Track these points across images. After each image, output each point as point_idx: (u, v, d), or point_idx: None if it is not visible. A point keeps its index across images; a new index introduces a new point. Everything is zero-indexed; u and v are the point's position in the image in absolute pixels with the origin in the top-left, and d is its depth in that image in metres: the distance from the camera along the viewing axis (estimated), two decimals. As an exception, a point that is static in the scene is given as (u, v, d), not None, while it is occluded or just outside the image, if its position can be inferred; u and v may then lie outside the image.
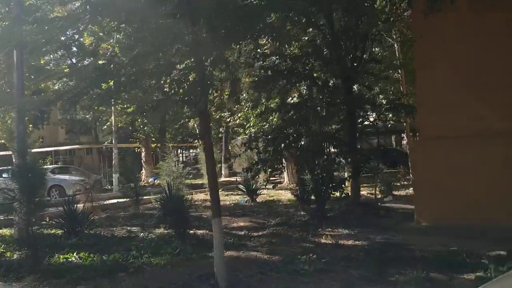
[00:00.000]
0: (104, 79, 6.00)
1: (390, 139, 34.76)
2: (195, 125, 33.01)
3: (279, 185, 21.77)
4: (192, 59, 6.15)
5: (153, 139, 33.13)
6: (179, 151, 48.62)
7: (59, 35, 6.75)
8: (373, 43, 11.13)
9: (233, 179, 25.69)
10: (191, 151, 47.51)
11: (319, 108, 10.76)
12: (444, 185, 9.44)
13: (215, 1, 5.43)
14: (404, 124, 18.04)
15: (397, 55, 16.13)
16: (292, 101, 11.04)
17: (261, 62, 10.58)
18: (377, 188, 14.82)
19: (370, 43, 11.30)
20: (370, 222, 10.66)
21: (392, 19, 10.05)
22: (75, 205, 10.26)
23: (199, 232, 10.60)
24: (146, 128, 30.26)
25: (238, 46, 7.81)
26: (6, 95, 14.08)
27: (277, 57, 10.62)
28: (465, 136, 9.20)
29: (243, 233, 10.48)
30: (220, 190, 19.52)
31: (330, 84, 11.04)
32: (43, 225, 11.26)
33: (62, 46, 7.36)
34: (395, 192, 15.80)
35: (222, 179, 27.90)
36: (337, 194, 11.33)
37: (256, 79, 10.65)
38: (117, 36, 6.00)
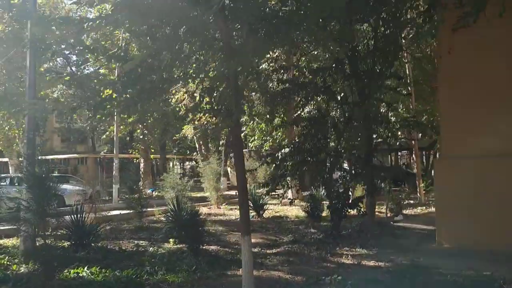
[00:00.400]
0: (132, 85, 5.67)
1: (396, 157, 34.48)
2: (194, 137, 32.79)
3: (283, 201, 21.51)
4: (225, 68, 5.84)
5: (153, 150, 32.83)
6: (175, 163, 48.28)
7: (79, 36, 6.40)
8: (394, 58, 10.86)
9: (232, 192, 25.27)
10: (186, 163, 47.13)
11: (338, 122, 10.46)
12: (467, 206, 9.13)
13: (256, 6, 5.12)
14: (413, 142, 17.83)
15: (407, 71, 15.95)
16: (308, 115, 10.73)
17: (279, 74, 10.34)
18: (386, 207, 14.56)
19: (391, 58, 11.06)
20: (387, 242, 10.33)
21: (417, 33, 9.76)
22: (83, 216, 9.81)
23: (211, 248, 10.22)
24: (146, 138, 29.95)
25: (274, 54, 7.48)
26: (15, 99, 13.66)
27: (296, 69, 10.35)
28: (490, 156, 8.94)
29: (256, 250, 10.09)
30: (224, 204, 19.34)
31: (350, 99, 10.75)
32: (47, 236, 10.83)
33: (86, 48, 6.98)
34: (404, 211, 15.51)
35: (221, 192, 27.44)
36: (354, 212, 10.99)
37: (273, 91, 10.34)
38: (146, 40, 5.65)
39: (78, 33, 5.70)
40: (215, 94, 5.79)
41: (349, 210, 10.89)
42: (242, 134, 21.84)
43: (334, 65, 10.28)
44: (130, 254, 9.55)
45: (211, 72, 6.07)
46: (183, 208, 12.46)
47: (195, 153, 35.59)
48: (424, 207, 17.05)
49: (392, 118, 15.82)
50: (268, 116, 12.16)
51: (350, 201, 10.66)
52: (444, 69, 9.67)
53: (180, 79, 5.96)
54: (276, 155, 10.92)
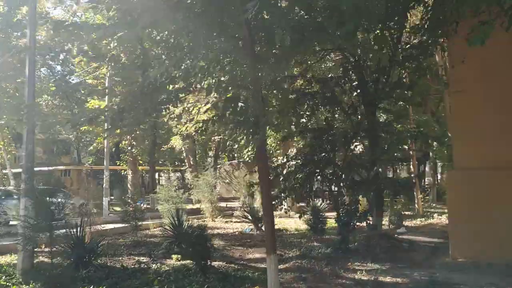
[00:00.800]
0: (155, 94, 5.34)
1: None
2: (183, 149, 32.29)
3: (278, 213, 21.17)
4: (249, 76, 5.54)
5: (141, 161, 32.18)
6: (160, 174, 47.53)
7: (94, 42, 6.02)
8: (401, 67, 10.69)
9: (223, 204, 24.81)
10: (171, 175, 46.45)
11: (347, 133, 10.23)
12: (481, 219, 8.94)
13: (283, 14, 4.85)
14: (411, 153, 17.70)
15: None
16: (316, 126, 10.46)
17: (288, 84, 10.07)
18: (389, 219, 14.35)
19: (396, 67, 10.91)
20: (397, 256, 10.08)
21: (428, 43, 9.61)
22: (83, 232, 9.32)
23: (215, 263, 9.80)
24: (134, 150, 29.35)
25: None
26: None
27: (305, 79, 10.11)
28: (504, 167, 8.79)
29: (264, 266, 9.69)
30: (219, 217, 18.91)
31: (358, 110, 10.55)
32: (53, 253, 10.34)
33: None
34: (404, 223, 15.31)
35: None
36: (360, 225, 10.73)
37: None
38: (168, 47, 5.32)
39: (96, 39, 5.35)
40: (240, 104, 5.47)
41: (357, 223, 10.61)
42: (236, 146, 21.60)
43: (342, 74, 10.05)
44: (133, 271, 9.09)
45: (231, 82, 5.77)
46: (182, 222, 12.10)
47: (183, 165, 35.13)
48: (423, 219, 16.91)
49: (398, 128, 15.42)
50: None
51: (358, 214, 10.37)
52: (455, 79, 9.51)
53: (202, 89, 5.62)
54: (286, 166, 10.58)
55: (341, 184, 10.18)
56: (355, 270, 8.88)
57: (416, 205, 18.12)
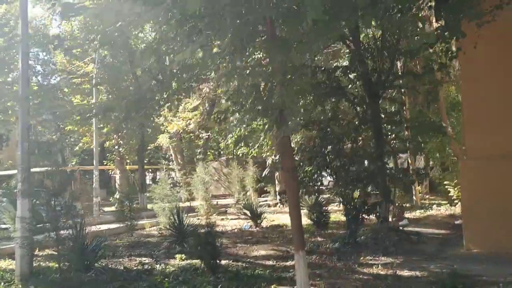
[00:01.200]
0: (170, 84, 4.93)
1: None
2: (170, 147, 31.71)
3: (272, 208, 20.85)
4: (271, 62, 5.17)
5: (128, 160, 31.48)
6: (145, 173, 46.71)
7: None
8: (407, 56, 10.42)
9: (213, 201, 24.39)
10: (158, 173, 45.74)
11: (356, 124, 9.93)
12: (495, 208, 8.75)
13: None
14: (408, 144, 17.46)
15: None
16: (322, 117, 10.12)
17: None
18: (392, 211, 14.11)
19: (401, 56, 10.66)
20: (408, 249, 9.85)
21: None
22: (83, 233, 8.80)
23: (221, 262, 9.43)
24: (121, 149, 28.70)
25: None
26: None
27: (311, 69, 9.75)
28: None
29: (271, 263, 9.40)
30: (214, 214, 18.50)
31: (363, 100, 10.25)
32: (39, 256, 9.84)
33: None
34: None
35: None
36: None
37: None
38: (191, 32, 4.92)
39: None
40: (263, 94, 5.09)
41: (365, 217, 10.35)
42: (230, 142, 21.13)
43: (348, 64, 9.74)
44: (138, 273, 8.66)
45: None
46: (182, 220, 11.68)
47: (171, 163, 34.57)
48: (422, 210, 16.77)
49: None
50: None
51: (367, 207, 10.09)
52: (467, 67, 9.28)
53: (219, 77, 5.22)
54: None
55: (350, 176, 9.86)
56: (370, 265, 8.61)
57: (414, 197, 17.97)
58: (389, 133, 11.62)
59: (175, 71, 5.09)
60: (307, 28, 4.83)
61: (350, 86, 10.41)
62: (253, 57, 5.24)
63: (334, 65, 11.23)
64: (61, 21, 23.03)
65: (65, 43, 22.83)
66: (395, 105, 11.83)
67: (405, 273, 7.91)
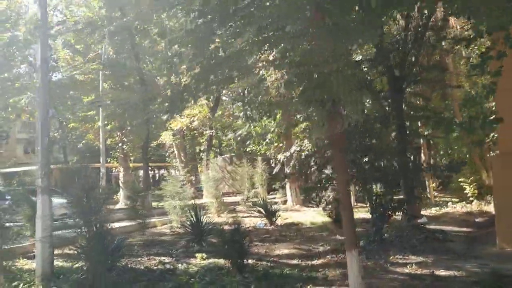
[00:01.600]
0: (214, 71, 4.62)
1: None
2: (173, 144, 31.32)
3: (283, 206, 20.52)
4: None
5: (132, 158, 31.04)
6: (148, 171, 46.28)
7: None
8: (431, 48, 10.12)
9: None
10: (161, 170, 45.37)
11: (381, 118, 9.62)
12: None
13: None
14: (421, 140, 17.20)
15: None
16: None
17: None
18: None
19: (424, 49, 10.36)
20: (435, 248, 9.57)
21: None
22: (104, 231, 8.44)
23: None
24: (125, 146, 28.28)
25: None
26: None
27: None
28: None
29: (297, 262, 9.12)
30: (225, 212, 18.17)
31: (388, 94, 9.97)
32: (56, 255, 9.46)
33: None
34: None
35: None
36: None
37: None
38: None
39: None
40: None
41: (391, 214, 10.06)
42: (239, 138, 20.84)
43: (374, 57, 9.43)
44: (162, 273, 8.35)
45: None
46: (200, 218, 11.37)
47: (174, 160, 34.18)
48: (437, 208, 16.50)
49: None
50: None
51: (393, 205, 9.80)
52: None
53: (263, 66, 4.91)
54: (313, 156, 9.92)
55: (377, 173, 9.56)
56: (402, 264, 8.33)
57: (428, 194, 17.70)
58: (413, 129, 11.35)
59: (219, 60, 4.76)
60: (358, 16, 4.54)
61: (376, 79, 10.09)
62: (302, 46, 4.89)
63: (359, 58, 10.93)
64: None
65: (71, 26, 22.48)
66: (419, 99, 11.54)
67: (441, 272, 7.64)
